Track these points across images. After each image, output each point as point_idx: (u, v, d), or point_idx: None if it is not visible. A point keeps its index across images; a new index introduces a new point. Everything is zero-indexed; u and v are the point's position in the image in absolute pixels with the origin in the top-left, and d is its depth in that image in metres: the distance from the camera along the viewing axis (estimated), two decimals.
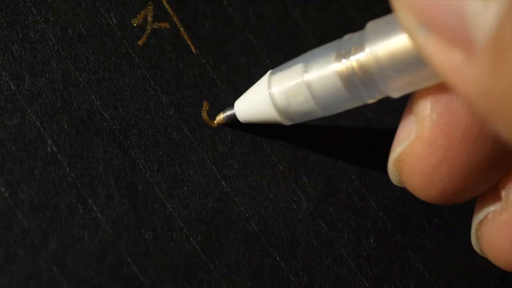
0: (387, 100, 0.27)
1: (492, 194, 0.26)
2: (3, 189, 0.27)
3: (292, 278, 0.29)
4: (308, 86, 0.27)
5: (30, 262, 0.27)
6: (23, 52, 0.29)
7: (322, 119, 0.30)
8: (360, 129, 0.32)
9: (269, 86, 0.28)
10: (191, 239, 0.28)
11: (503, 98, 0.20)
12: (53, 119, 0.28)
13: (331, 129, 0.31)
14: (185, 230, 0.28)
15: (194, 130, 0.30)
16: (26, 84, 0.28)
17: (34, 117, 0.28)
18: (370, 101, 0.26)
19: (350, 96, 0.26)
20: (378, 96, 0.26)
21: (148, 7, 0.31)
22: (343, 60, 0.25)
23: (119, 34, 0.30)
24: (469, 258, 0.31)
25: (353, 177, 0.31)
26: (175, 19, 0.31)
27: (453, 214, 0.31)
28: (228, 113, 0.30)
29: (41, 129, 0.28)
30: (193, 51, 0.31)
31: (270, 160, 0.30)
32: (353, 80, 0.25)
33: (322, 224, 0.30)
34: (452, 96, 0.24)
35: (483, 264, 0.31)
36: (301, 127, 0.30)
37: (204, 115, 0.30)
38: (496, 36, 0.20)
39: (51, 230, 0.27)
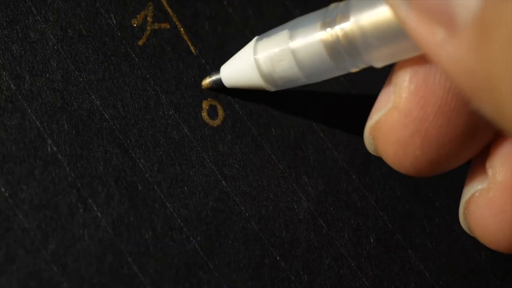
0: None
1: (479, 172, 0.27)
2: (3, 189, 0.27)
3: (293, 278, 0.29)
4: (293, 53, 0.27)
5: (30, 262, 0.27)
6: (23, 52, 0.29)
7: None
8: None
9: (254, 52, 0.28)
10: (191, 238, 0.28)
11: (485, 77, 0.20)
12: (53, 119, 0.28)
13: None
14: (185, 229, 0.28)
15: (194, 130, 0.30)
16: (26, 84, 0.28)
17: (34, 117, 0.28)
18: (354, 70, 0.26)
19: (334, 64, 0.26)
20: (362, 65, 0.26)
21: (148, 7, 0.31)
22: (328, 29, 0.26)
23: (119, 34, 0.30)
24: (469, 258, 0.31)
25: (353, 177, 0.31)
26: (175, 19, 0.31)
27: (453, 214, 0.31)
28: (214, 77, 0.30)
29: (41, 129, 0.28)
30: (193, 51, 0.31)
31: (270, 159, 0.30)
32: (337, 49, 0.26)
33: (323, 224, 0.30)
34: (431, 69, 0.25)
35: (483, 264, 0.31)
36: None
37: (204, 115, 0.30)
38: (480, 15, 0.20)
39: (51, 230, 0.27)
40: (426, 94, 0.25)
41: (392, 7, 0.23)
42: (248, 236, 0.29)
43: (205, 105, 0.30)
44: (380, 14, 0.24)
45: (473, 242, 0.31)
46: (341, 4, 0.26)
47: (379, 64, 0.25)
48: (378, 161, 0.31)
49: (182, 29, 0.31)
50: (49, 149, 0.28)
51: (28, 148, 0.28)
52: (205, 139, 0.30)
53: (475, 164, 0.27)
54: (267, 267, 0.29)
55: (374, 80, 0.29)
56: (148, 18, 0.31)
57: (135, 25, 0.31)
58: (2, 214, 0.27)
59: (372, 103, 0.27)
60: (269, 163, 0.30)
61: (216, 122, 0.30)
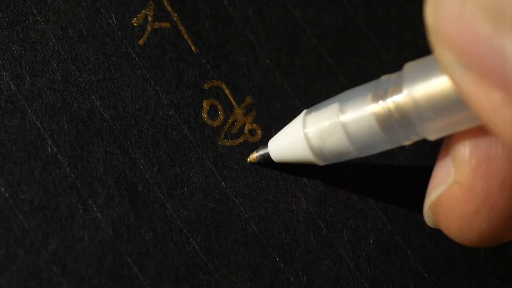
0: None
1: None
2: (3, 189, 0.27)
3: (292, 279, 0.29)
4: (344, 126, 0.26)
5: (30, 262, 0.27)
6: (23, 52, 0.29)
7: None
8: None
9: (304, 126, 0.28)
10: (191, 239, 0.28)
11: None
12: (53, 119, 0.28)
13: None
14: (185, 230, 0.28)
15: (194, 131, 0.30)
16: (26, 84, 0.28)
17: (34, 117, 0.28)
18: (406, 143, 0.26)
19: (386, 137, 0.25)
20: (415, 138, 0.25)
21: (149, 6, 0.31)
22: (380, 102, 0.25)
23: (119, 34, 0.30)
24: (469, 258, 0.31)
25: (353, 177, 0.31)
26: (175, 19, 0.31)
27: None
28: (262, 152, 0.30)
29: (41, 129, 0.28)
30: (194, 51, 0.31)
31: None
32: (389, 122, 0.25)
33: (322, 225, 0.30)
34: (491, 140, 0.24)
35: (483, 264, 0.31)
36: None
37: (205, 115, 0.30)
38: None
39: (51, 230, 0.27)
40: (489, 168, 0.24)
41: (448, 70, 0.22)
42: (247, 237, 0.29)
43: (205, 104, 0.30)
44: (434, 86, 0.23)
45: None
46: (393, 76, 0.25)
47: (433, 136, 0.25)
48: (378, 161, 0.31)
49: (182, 29, 0.31)
50: (49, 150, 0.28)
51: (28, 149, 0.28)
52: (205, 140, 0.30)
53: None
54: (266, 268, 0.29)
55: None
56: (148, 18, 0.31)
57: (135, 24, 0.30)
58: (2, 214, 0.27)
59: None
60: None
61: (216, 123, 0.30)
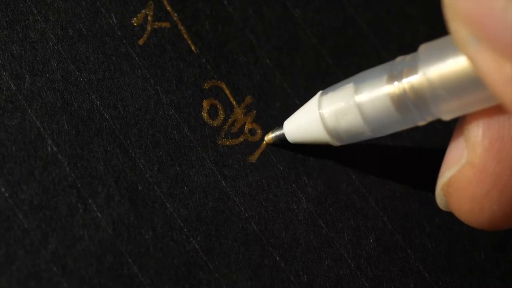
0: None
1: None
2: (3, 189, 0.27)
3: (292, 278, 0.29)
4: (359, 107, 0.26)
5: (30, 262, 0.27)
6: (23, 52, 0.29)
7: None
8: None
9: (319, 107, 0.28)
10: (191, 239, 0.28)
11: None
12: (53, 119, 0.28)
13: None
14: (185, 230, 0.28)
15: (194, 130, 0.30)
16: (26, 84, 0.28)
17: (34, 117, 0.28)
18: (421, 123, 0.26)
19: (401, 118, 0.26)
20: (430, 119, 0.25)
21: (149, 6, 0.31)
22: (395, 82, 0.25)
23: (119, 33, 0.30)
24: (469, 258, 0.31)
25: (353, 177, 0.31)
26: (175, 18, 0.31)
27: (453, 214, 0.31)
28: (277, 133, 0.30)
29: (41, 129, 0.28)
30: (194, 50, 0.31)
31: (270, 160, 0.30)
32: (404, 102, 0.25)
33: (322, 224, 0.30)
34: (504, 121, 0.24)
35: (483, 264, 0.31)
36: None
37: (205, 114, 0.30)
38: None
39: (51, 230, 0.27)
40: (502, 148, 0.24)
41: (462, 44, 0.22)
42: (248, 237, 0.29)
43: (205, 104, 0.30)
44: (449, 66, 0.23)
45: (473, 242, 0.31)
46: (408, 57, 0.25)
47: (447, 116, 0.25)
48: (378, 161, 0.31)
49: (182, 28, 0.31)
50: (49, 149, 0.28)
51: (28, 148, 0.28)
52: (205, 139, 0.30)
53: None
54: (266, 268, 0.29)
55: None
56: (148, 17, 0.31)
57: (135, 24, 0.30)
58: (2, 214, 0.27)
59: None
60: (269, 163, 0.30)
61: (216, 122, 0.30)
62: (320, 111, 0.28)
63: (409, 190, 0.31)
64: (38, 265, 0.27)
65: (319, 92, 0.28)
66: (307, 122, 0.29)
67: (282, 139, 0.30)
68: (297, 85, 0.31)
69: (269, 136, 0.30)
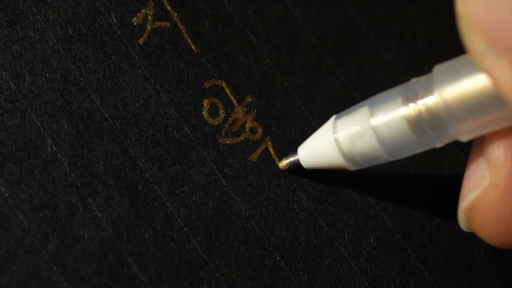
0: None
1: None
2: (3, 189, 0.27)
3: (293, 278, 0.29)
4: (374, 130, 0.26)
5: (30, 262, 0.27)
6: (23, 51, 0.29)
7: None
8: None
9: (334, 131, 0.28)
10: (192, 238, 0.28)
11: None
12: (53, 118, 0.28)
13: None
14: (186, 229, 0.28)
15: (194, 129, 0.30)
16: (26, 84, 0.28)
17: (34, 117, 0.28)
18: (439, 145, 0.25)
19: (418, 140, 0.25)
20: (447, 140, 0.25)
21: (149, 6, 0.31)
22: (411, 104, 0.25)
23: (119, 33, 0.30)
24: (469, 258, 0.31)
25: (354, 176, 0.31)
26: (175, 18, 0.31)
27: (453, 214, 0.31)
28: (292, 159, 0.30)
29: (41, 129, 0.28)
30: (194, 50, 0.31)
31: (270, 159, 0.30)
32: (421, 124, 0.25)
33: (323, 224, 0.30)
34: None
35: (483, 264, 0.31)
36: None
37: (205, 113, 0.30)
38: None
39: (51, 230, 0.27)
40: None
41: (477, 56, 0.22)
42: (248, 236, 0.29)
43: (206, 103, 0.30)
44: (466, 86, 0.23)
45: (473, 242, 0.31)
46: (422, 78, 0.25)
47: (465, 137, 0.24)
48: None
49: (182, 28, 0.31)
50: (49, 149, 0.28)
51: (28, 148, 0.28)
52: (205, 138, 0.30)
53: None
54: (267, 267, 0.29)
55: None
56: (148, 17, 0.31)
57: (135, 23, 0.30)
58: (2, 214, 0.27)
59: None
60: (269, 162, 0.30)
61: (217, 121, 0.30)
62: (335, 135, 0.27)
63: (409, 190, 0.31)
64: (38, 265, 0.27)
65: (333, 116, 0.28)
66: (322, 147, 0.28)
67: (296, 165, 0.29)
68: (297, 85, 0.31)
69: (283, 163, 0.30)
